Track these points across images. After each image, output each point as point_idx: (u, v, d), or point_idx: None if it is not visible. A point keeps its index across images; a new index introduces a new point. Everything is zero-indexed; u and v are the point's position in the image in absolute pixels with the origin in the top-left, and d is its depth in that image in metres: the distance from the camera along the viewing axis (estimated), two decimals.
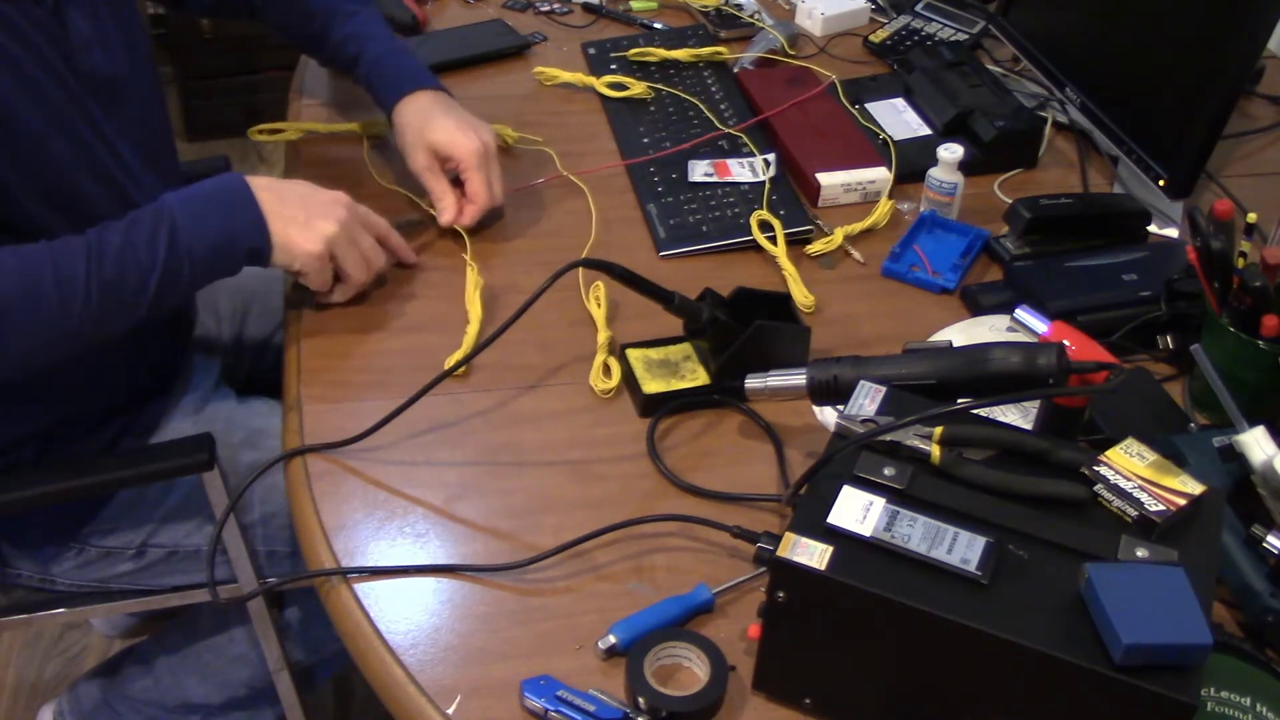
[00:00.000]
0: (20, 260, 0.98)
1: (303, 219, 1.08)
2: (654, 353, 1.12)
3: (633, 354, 1.12)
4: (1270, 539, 0.88)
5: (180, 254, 1.03)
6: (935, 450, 0.82)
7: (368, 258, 1.14)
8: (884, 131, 1.46)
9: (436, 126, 1.23)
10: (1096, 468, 0.81)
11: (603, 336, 1.13)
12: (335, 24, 1.30)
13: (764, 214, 1.29)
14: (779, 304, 1.12)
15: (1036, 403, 1.00)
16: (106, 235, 1.01)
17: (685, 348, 1.13)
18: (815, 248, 1.28)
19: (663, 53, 1.58)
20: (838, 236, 1.29)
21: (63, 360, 1.02)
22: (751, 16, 1.69)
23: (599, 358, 1.12)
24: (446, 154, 1.24)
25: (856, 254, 1.28)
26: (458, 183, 1.26)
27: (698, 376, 1.10)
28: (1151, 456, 0.82)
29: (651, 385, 1.08)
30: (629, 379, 1.10)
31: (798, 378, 0.99)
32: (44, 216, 1.04)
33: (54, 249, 0.99)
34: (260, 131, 1.37)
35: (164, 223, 1.02)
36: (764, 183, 1.35)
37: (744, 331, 1.05)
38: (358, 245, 1.13)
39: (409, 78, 1.27)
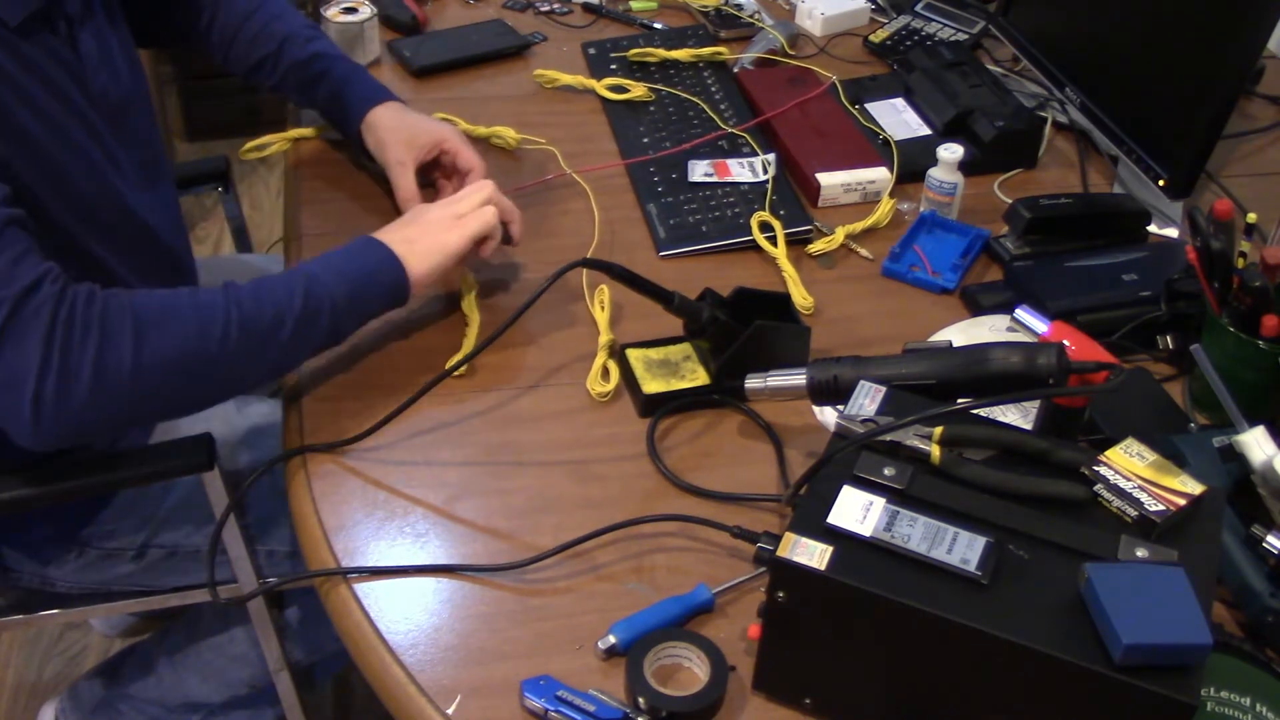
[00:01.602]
0: (162, 295, 0.98)
1: (420, 232, 1.11)
2: (654, 353, 1.12)
3: (633, 354, 1.12)
4: (1270, 539, 0.88)
5: (319, 291, 1.02)
6: (935, 450, 0.82)
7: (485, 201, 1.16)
8: (884, 131, 1.46)
9: (411, 122, 1.29)
10: (1096, 468, 0.81)
11: (604, 339, 1.13)
12: (293, 47, 1.32)
13: (764, 214, 1.29)
14: (779, 304, 1.12)
15: (1036, 403, 1.00)
16: (240, 285, 1.01)
17: (685, 348, 1.13)
18: (817, 247, 1.28)
19: (663, 53, 1.58)
20: (839, 236, 1.29)
21: (212, 400, 1.01)
22: (751, 16, 1.69)
23: (598, 360, 1.12)
24: (426, 141, 1.27)
25: (864, 251, 1.28)
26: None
27: (698, 376, 1.10)
28: (1151, 456, 0.82)
29: (651, 385, 1.08)
30: (629, 379, 1.10)
31: (798, 378, 0.99)
32: (95, 247, 1.07)
33: (192, 290, 1.00)
34: (250, 150, 1.38)
35: (298, 273, 1.04)
36: (764, 183, 1.35)
37: (744, 331, 1.05)
38: (469, 199, 1.15)
39: (379, 90, 1.32)
